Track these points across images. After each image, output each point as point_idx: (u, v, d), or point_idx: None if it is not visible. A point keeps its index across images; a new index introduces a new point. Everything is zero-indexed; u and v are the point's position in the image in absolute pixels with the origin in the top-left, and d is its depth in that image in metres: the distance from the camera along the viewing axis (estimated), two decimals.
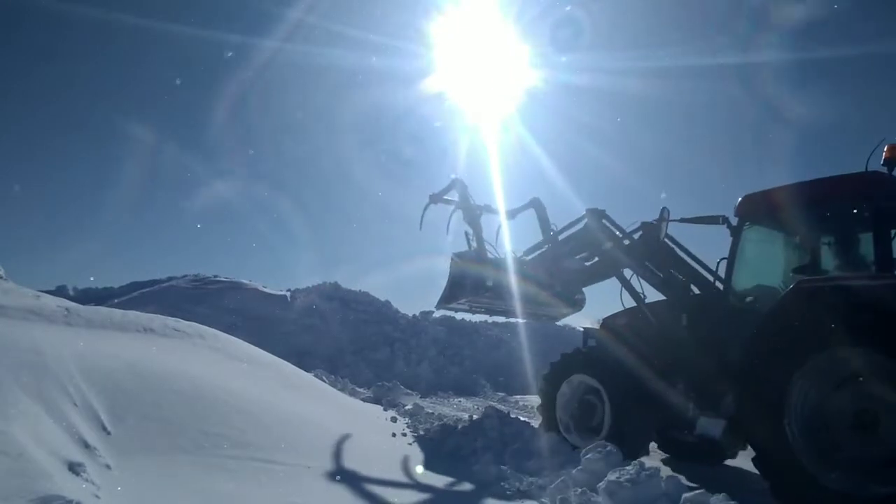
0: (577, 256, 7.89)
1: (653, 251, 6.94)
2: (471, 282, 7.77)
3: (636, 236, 7.15)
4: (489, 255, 8.15)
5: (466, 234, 8.41)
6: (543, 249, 8.02)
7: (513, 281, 7.63)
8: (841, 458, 4.47)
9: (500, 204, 8.75)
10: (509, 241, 8.63)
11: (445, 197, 8.52)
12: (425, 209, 8.98)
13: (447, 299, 8.50)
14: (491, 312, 9.10)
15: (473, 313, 9.61)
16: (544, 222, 8.17)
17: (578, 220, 7.73)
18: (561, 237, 7.91)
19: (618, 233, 7.31)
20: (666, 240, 6.95)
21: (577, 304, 8.13)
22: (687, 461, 6.77)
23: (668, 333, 6.36)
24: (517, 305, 7.95)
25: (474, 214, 8.37)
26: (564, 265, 7.81)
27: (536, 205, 8.33)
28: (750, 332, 5.08)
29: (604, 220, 7.50)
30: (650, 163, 38.96)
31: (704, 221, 6.20)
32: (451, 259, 8.51)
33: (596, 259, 7.66)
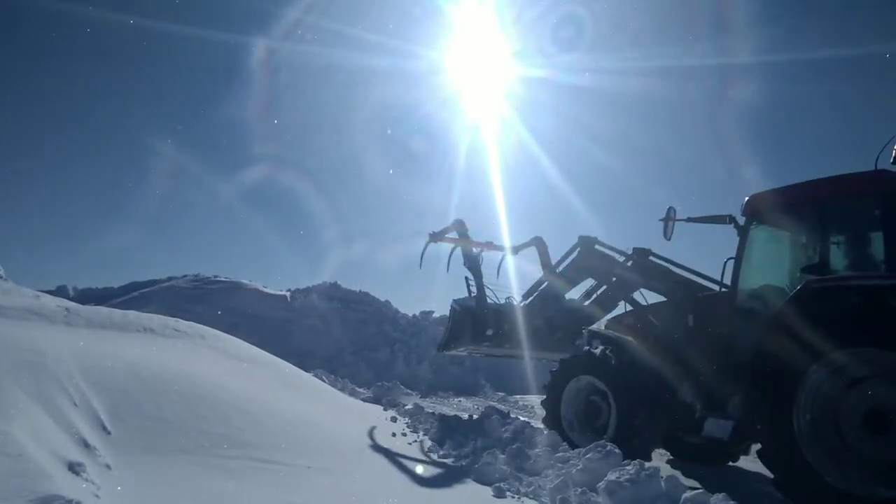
0: (578, 296, 7.96)
1: (651, 271, 7.03)
2: (470, 330, 7.78)
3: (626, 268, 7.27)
4: (489, 301, 8.24)
5: (466, 279, 8.55)
6: (543, 287, 8.05)
7: (512, 329, 7.64)
8: (848, 458, 4.46)
9: (505, 238, 8.95)
10: (514, 269, 8.81)
11: (447, 236, 8.69)
12: (425, 248, 9.20)
13: (446, 346, 8.53)
14: (491, 356, 9.17)
15: (473, 356, 9.70)
16: (545, 259, 8.18)
17: (572, 250, 7.79)
18: (559, 269, 7.95)
19: (617, 256, 7.37)
20: (656, 259, 7.03)
21: (577, 349, 8.21)
22: (691, 462, 6.76)
23: (674, 335, 6.34)
24: (517, 352, 7.98)
25: (475, 260, 8.50)
26: (566, 307, 7.87)
27: (538, 243, 8.35)
28: (758, 333, 5.06)
29: (597, 246, 7.55)
30: (653, 163, 38.96)
31: (711, 221, 6.17)
32: (451, 306, 8.62)
33: (603, 289, 7.72)
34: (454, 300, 8.75)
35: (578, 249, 7.73)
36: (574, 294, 8.12)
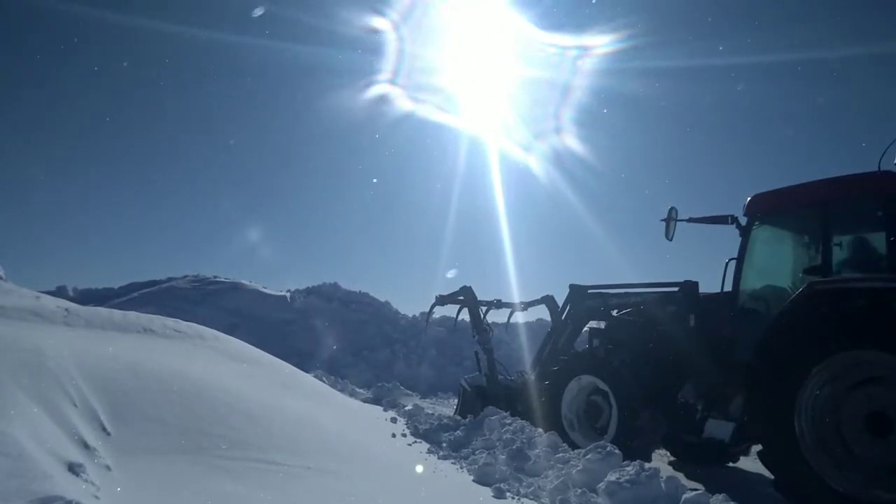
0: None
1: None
2: (481, 410, 7.76)
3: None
4: (499, 377, 8.26)
5: (476, 354, 8.64)
6: (547, 349, 7.96)
7: (527, 409, 7.56)
8: (849, 461, 4.46)
9: (515, 294, 9.06)
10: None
11: (458, 298, 8.81)
12: (431, 309, 9.37)
13: (459, 415, 8.49)
14: None
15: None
16: (556, 317, 8.10)
17: (567, 302, 7.78)
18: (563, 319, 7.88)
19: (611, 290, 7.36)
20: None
21: None
22: (692, 463, 6.75)
23: (675, 333, 6.33)
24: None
25: (485, 333, 8.53)
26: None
27: (549, 301, 8.30)
28: (760, 334, 5.06)
29: (590, 292, 7.55)
30: (654, 163, 38.99)
31: (713, 221, 6.17)
32: (460, 384, 8.71)
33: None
34: (463, 378, 8.86)
35: (570, 301, 7.73)
36: None
